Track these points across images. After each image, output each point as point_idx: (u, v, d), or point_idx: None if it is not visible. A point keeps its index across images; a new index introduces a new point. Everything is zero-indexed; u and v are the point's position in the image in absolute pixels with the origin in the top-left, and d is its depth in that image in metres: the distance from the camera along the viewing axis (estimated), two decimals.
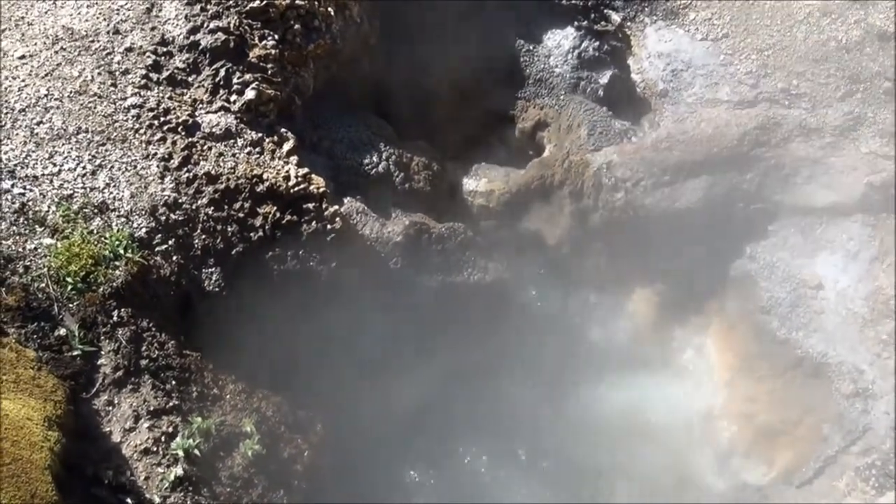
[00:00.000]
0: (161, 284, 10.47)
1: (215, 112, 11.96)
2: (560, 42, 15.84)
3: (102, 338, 9.61)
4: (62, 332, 9.37)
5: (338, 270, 12.25)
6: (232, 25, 12.41)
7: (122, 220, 10.44)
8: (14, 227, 9.87)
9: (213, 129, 11.78)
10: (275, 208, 11.69)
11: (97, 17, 12.03)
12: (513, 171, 15.67)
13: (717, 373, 14.94)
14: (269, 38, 12.75)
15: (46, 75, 11.30)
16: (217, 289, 11.09)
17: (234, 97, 12.18)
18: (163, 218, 10.73)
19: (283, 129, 12.48)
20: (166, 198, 10.85)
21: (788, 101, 14.33)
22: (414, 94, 15.50)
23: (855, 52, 14.15)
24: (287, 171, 11.99)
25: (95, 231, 10.14)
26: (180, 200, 10.96)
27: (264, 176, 11.71)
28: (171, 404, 9.74)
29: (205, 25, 12.33)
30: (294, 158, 12.25)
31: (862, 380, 13.43)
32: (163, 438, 9.42)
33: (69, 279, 9.60)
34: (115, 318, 9.76)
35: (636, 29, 15.47)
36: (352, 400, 12.82)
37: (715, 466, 14.63)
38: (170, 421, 9.61)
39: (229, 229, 11.30)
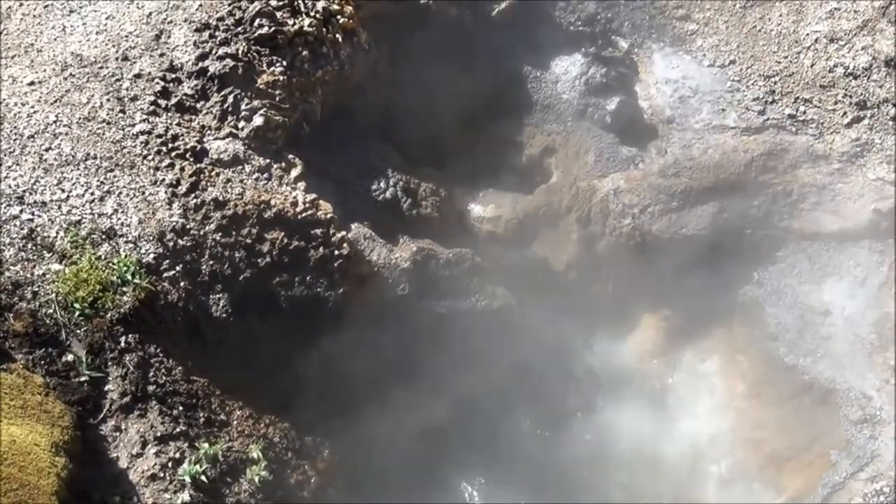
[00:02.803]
0: (169, 310, 10.49)
1: (223, 138, 11.99)
2: (568, 69, 15.88)
3: (110, 363, 9.63)
4: (70, 357, 9.39)
5: (345, 296, 12.27)
6: (240, 52, 12.46)
7: (130, 245, 10.46)
8: (22, 253, 9.91)
9: (222, 156, 11.81)
10: (282, 234, 11.72)
11: (106, 44, 12.10)
12: (520, 197, 15.70)
13: (725, 398, 14.92)
14: (278, 64, 12.80)
15: (55, 102, 11.35)
16: (225, 314, 11.10)
17: (242, 123, 12.21)
18: (171, 244, 10.75)
19: (290, 155, 12.51)
20: (174, 224, 10.88)
21: (795, 128, 14.35)
22: (422, 120, 15.53)
23: (862, 78, 14.16)
24: (295, 197, 12.01)
25: (103, 257, 10.16)
26: (188, 226, 10.98)
27: (272, 202, 11.74)
28: (178, 430, 9.74)
29: (213, 52, 12.38)
30: (302, 184, 12.27)
31: (870, 406, 13.40)
32: (170, 464, 9.42)
33: (77, 305, 9.62)
34: (122, 344, 9.78)
35: (643, 55, 15.51)
36: (360, 427, 12.82)
37: (723, 493, 14.59)
38: (177, 447, 9.61)
39: (237, 255, 11.32)
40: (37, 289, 9.70)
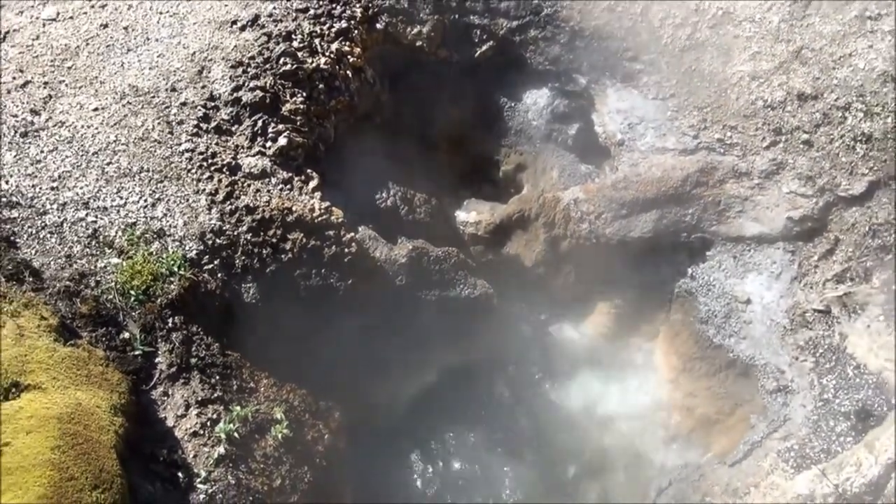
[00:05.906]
0: (208, 297, 10.49)
1: (254, 156, 11.99)
2: (536, 100, 15.86)
3: (159, 340, 9.65)
4: (126, 335, 9.42)
5: (353, 286, 12.30)
6: (268, 85, 12.46)
7: (177, 243, 10.47)
8: (87, 249, 9.93)
9: (252, 170, 11.81)
10: (302, 235, 11.73)
11: (157, 78, 12.10)
12: (497, 206, 15.70)
13: (664, 372, 14.95)
14: (299, 95, 12.80)
15: (115, 124, 11.35)
16: (254, 301, 11.11)
17: (269, 143, 12.22)
18: (210, 242, 10.76)
19: (309, 170, 12.52)
20: (213, 226, 10.88)
21: (723, 150, 14.34)
22: (417, 141, 15.54)
23: (778, 109, 14.13)
24: (312, 205, 12.03)
25: (154, 252, 10.18)
26: (224, 228, 10.99)
27: (293, 208, 11.75)
28: (215, 395, 9.77)
29: (246, 84, 12.38)
30: (318, 194, 12.30)
31: (783, 378, 13.42)
32: (208, 423, 9.45)
33: (132, 292, 9.65)
34: (170, 325, 9.79)
35: (599, 90, 15.47)
36: (364, 393, 12.85)
37: (662, 448, 14.65)
38: (214, 409, 9.64)
39: (264, 252, 11.32)
40: (99, 278, 9.72)
